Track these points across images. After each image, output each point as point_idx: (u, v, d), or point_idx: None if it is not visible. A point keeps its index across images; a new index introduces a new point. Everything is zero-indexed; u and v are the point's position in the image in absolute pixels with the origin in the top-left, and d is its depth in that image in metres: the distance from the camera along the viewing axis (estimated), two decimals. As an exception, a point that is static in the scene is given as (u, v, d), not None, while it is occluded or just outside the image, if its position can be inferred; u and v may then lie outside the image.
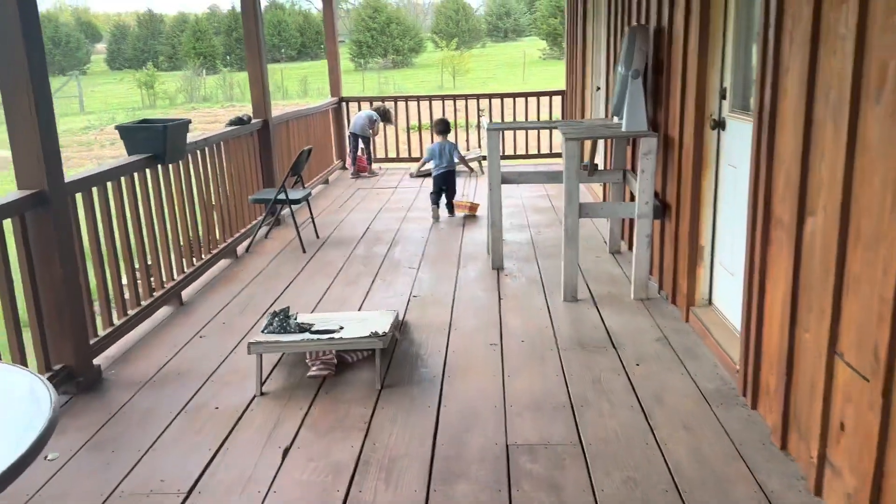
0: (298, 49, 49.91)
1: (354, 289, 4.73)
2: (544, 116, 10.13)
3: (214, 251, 5.20)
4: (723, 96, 3.59)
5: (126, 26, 56.78)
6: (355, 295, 4.61)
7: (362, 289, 4.72)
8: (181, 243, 4.69)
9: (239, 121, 5.83)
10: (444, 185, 6.67)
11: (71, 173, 3.56)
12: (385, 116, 9.28)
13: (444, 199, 6.69)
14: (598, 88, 7.31)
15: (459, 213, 6.73)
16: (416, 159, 9.62)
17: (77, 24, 65.10)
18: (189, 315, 4.35)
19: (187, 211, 4.82)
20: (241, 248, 5.69)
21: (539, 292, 4.55)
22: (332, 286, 4.80)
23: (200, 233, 5.11)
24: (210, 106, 27.32)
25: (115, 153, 17.76)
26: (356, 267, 5.21)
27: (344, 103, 9.65)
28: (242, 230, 5.77)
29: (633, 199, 4.98)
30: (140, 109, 28.41)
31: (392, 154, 10.03)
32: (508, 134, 9.91)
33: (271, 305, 4.45)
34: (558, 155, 9.62)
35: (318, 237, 6.05)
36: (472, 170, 8.36)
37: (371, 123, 9.19)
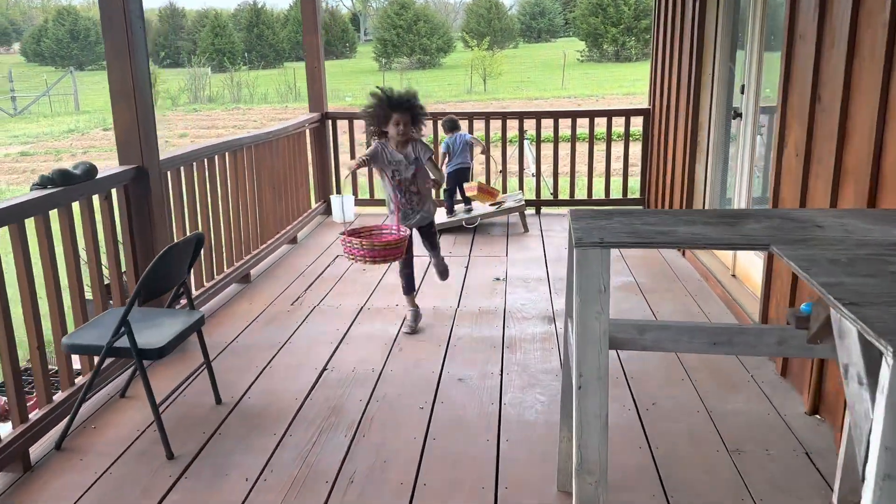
0: (323, 47, 47.51)
1: None
2: (616, 147, 7.13)
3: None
4: None
5: (149, 21, 55.12)
6: None
7: None
8: None
9: (62, 177, 2.94)
10: (457, 183, 5.94)
11: None
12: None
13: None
14: (737, 115, 4.31)
15: (480, 207, 6.03)
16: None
17: (103, 18, 63.25)
18: None
19: None
20: (41, 448, 2.79)
21: None
22: None
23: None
24: (213, 108, 24.65)
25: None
26: (262, 527, 2.30)
27: (329, 121, 6.76)
28: (48, 407, 2.87)
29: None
30: (139, 110, 25.83)
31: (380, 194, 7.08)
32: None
33: None
34: (635, 202, 6.62)
35: (218, 401, 3.13)
36: (486, 151, 6.36)
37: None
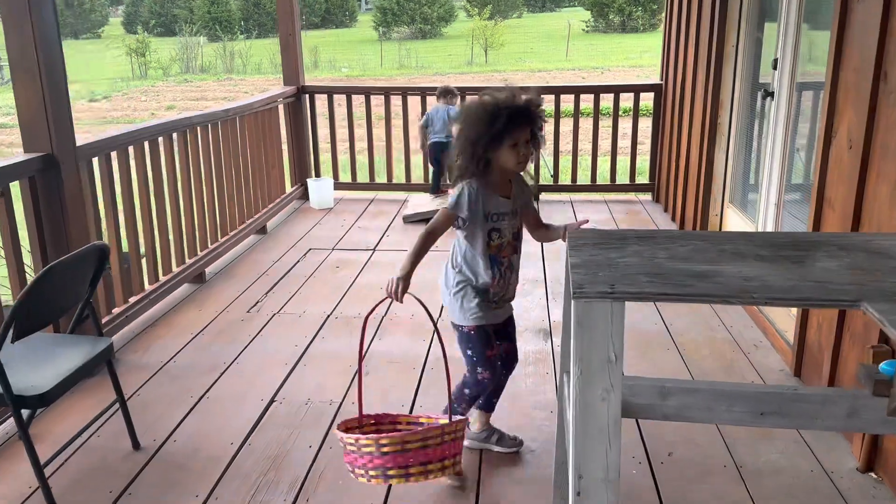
0: (322, 16, 46.36)
1: None
2: (623, 123, 6.48)
3: None
4: None
5: (145, -13, 53.95)
6: None
7: None
8: None
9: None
10: (438, 157, 5.55)
11: None
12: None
13: None
14: (768, 95, 3.68)
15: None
16: (416, 186, 6.14)
17: (99, -16, 62.08)
18: None
19: None
20: None
21: None
22: None
23: None
24: (204, 78, 23.85)
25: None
26: None
27: (307, 95, 6.11)
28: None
29: None
30: (130, 80, 25.07)
31: (363, 177, 6.41)
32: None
33: None
34: (644, 188, 6.01)
35: (136, 446, 2.56)
36: None
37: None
